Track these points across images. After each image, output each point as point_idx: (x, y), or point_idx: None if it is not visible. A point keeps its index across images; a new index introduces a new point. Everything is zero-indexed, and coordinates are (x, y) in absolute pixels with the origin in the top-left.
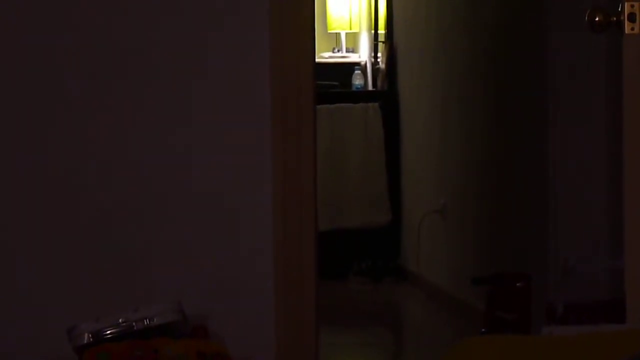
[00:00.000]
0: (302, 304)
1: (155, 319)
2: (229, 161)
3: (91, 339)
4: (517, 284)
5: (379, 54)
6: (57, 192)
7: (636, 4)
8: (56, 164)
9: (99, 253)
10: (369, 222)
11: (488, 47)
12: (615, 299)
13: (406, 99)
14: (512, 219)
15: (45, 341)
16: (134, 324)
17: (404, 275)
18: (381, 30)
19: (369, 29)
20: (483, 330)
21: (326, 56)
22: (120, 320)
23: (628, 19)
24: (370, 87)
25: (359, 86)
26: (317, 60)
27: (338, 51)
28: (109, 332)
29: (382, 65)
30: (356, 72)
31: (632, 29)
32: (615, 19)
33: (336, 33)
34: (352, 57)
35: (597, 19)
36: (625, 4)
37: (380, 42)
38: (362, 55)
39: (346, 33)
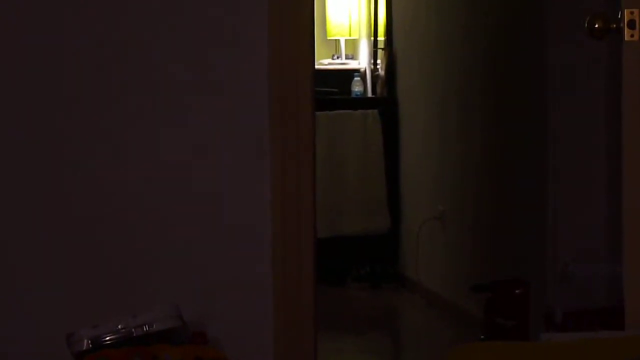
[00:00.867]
0: (301, 309)
1: (154, 325)
2: (226, 171)
3: (90, 345)
4: (516, 291)
5: (379, 61)
6: (55, 196)
7: (636, 11)
8: (54, 167)
9: (97, 258)
10: (368, 228)
11: (487, 55)
12: (614, 305)
13: (405, 106)
14: (510, 225)
15: (44, 347)
16: (133, 330)
17: (402, 281)
18: (381, 37)
19: (369, 36)
20: (482, 336)
21: (326, 63)
22: (119, 327)
23: (628, 26)
24: (369, 94)
25: (359, 93)
26: (316, 67)
27: (337, 58)
28: (108, 338)
29: (381, 72)
30: (355, 78)
31: (632, 36)
32: (615, 25)
33: (336, 40)
34: (352, 64)
35: (597, 25)
36: (625, 11)
37: (380, 48)
38: (362, 62)
39: (346, 40)
